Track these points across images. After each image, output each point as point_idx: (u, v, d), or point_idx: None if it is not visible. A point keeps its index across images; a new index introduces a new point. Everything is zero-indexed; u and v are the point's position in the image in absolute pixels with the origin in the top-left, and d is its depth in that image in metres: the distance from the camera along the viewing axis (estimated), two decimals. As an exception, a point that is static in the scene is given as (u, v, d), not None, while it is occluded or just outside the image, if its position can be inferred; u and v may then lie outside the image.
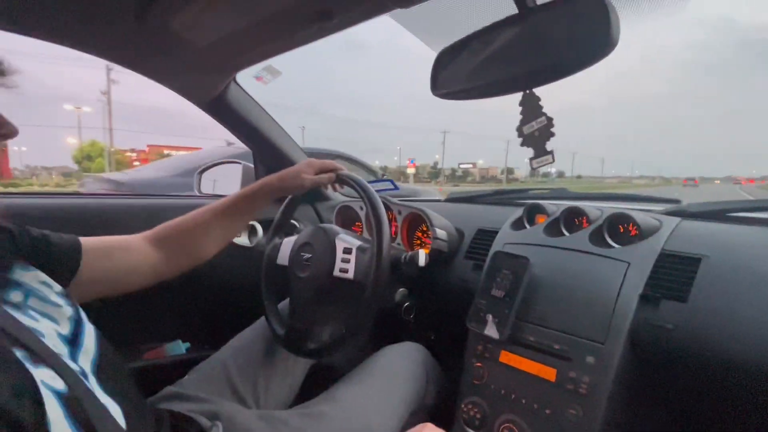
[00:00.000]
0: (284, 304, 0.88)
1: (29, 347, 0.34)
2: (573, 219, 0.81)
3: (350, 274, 0.74)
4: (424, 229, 0.99)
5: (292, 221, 0.97)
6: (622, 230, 0.74)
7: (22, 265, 0.47)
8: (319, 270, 0.77)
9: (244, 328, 0.87)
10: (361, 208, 1.11)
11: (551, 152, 0.50)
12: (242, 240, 1.07)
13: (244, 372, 0.78)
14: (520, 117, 0.50)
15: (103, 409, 0.38)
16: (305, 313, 0.78)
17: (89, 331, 0.47)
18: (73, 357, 0.41)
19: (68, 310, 0.46)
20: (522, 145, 0.51)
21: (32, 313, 0.41)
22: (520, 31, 0.51)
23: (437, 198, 1.31)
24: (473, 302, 0.74)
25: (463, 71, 0.59)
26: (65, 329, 0.44)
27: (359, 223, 1.15)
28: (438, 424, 0.50)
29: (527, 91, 0.50)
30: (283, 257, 0.87)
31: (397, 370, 0.79)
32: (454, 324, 0.80)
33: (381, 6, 0.55)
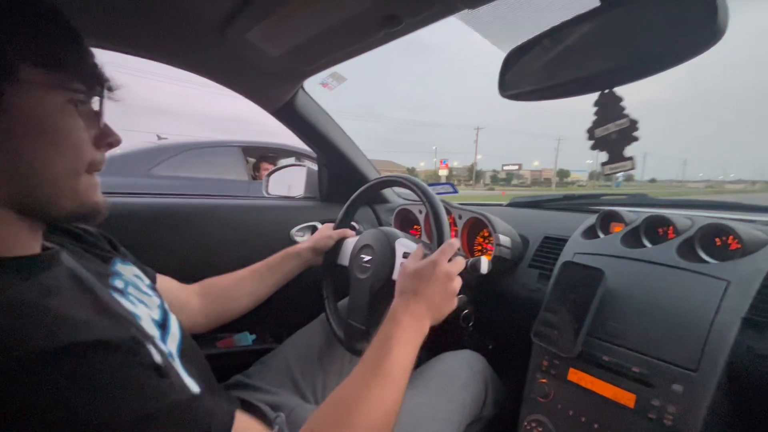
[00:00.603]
0: (344, 303, 0.90)
1: (136, 326, 0.39)
2: (656, 229, 0.73)
3: None
4: (486, 234, 0.95)
5: (352, 222, 0.99)
6: (719, 243, 0.65)
7: (121, 260, 0.54)
8: (378, 273, 0.78)
9: (306, 323, 0.90)
10: (420, 212, 1.10)
11: (631, 158, 0.45)
12: (304, 239, 1.12)
13: (305, 367, 0.81)
14: (593, 118, 0.46)
15: (188, 388, 0.42)
16: (363, 315, 0.79)
17: (174, 319, 0.53)
18: (163, 339, 0.46)
19: (157, 300, 0.52)
20: (593, 148, 0.47)
21: (132, 298, 0.47)
22: (602, 25, 0.47)
23: (499, 203, 1.26)
24: (539, 314, 0.70)
25: (533, 71, 0.56)
26: (156, 315, 0.49)
27: (417, 227, 1.14)
28: None
29: (605, 91, 0.46)
30: (344, 257, 0.89)
31: (455, 377, 0.77)
32: (515, 335, 0.77)
33: (448, 8, 0.54)
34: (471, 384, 0.76)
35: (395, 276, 0.76)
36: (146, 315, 0.46)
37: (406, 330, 0.55)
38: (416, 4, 0.54)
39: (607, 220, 0.81)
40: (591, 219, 0.84)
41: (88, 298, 0.38)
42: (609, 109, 0.46)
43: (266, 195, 1.32)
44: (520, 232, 0.91)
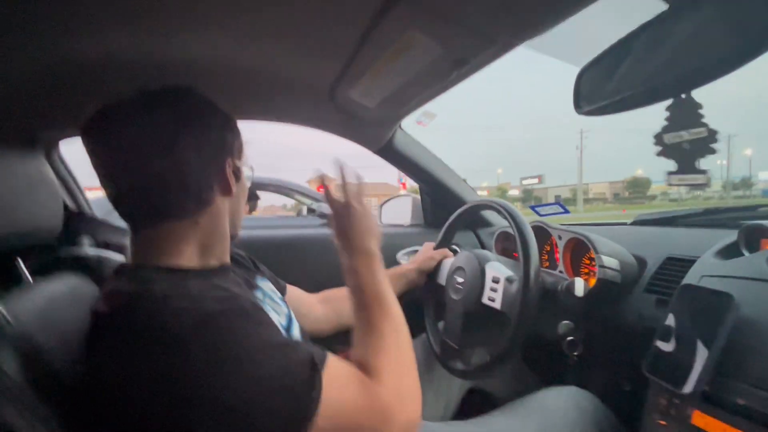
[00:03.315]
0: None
1: None
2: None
3: (497, 304, 0.75)
4: (592, 256, 0.88)
5: (454, 246, 1.04)
6: None
7: (261, 277, 0.72)
8: (469, 295, 0.81)
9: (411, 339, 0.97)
10: None
11: (705, 172, 0.40)
12: (407, 261, 1.21)
13: None
14: (664, 123, 0.43)
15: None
16: (456, 334, 0.82)
17: (296, 326, 0.67)
18: None
19: (285, 309, 0.67)
20: (659, 155, 0.43)
21: (267, 307, 0.62)
22: (672, 28, 0.45)
23: (622, 222, 1.13)
24: (652, 345, 0.62)
25: (608, 83, 0.54)
26: (283, 321, 0.64)
27: (521, 250, 1.11)
28: None
29: (681, 96, 0.43)
30: (442, 277, 0.94)
31: (558, 413, 0.72)
32: (628, 369, 0.68)
33: (506, 46, 0.58)
34: (577, 424, 0.70)
35: (485, 299, 0.78)
36: (276, 319, 0.61)
37: (362, 263, 0.60)
38: (478, 46, 0.60)
39: (755, 236, 0.67)
40: (732, 235, 0.70)
41: (242, 292, 0.54)
42: (684, 116, 0.42)
43: (380, 224, 1.48)
44: (638, 252, 0.81)
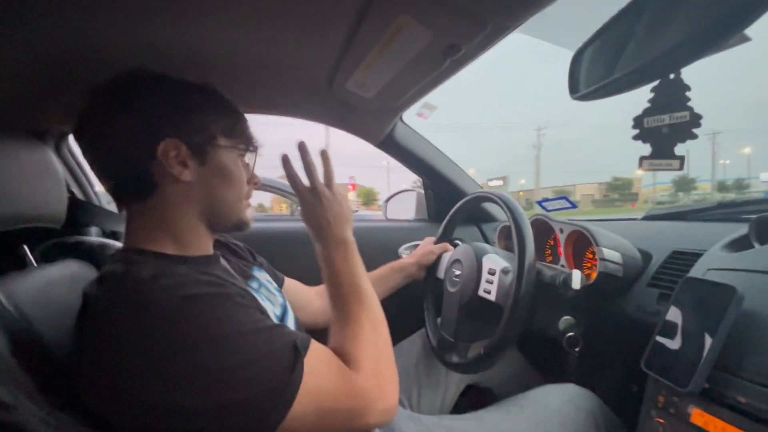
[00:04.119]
0: None
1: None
2: None
3: (492, 296, 0.73)
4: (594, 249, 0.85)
5: (457, 241, 1.03)
6: None
7: (258, 267, 0.72)
8: (465, 288, 0.80)
9: (411, 334, 0.97)
10: None
11: (680, 158, 0.38)
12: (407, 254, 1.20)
13: (403, 375, 0.87)
14: (646, 105, 0.41)
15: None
16: (452, 327, 0.81)
17: (291, 316, 0.67)
18: None
19: (280, 299, 0.68)
20: (635, 138, 0.41)
21: (262, 297, 0.63)
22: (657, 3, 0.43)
23: (632, 217, 1.09)
24: (651, 339, 0.59)
25: (602, 65, 0.52)
26: (278, 311, 0.64)
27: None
28: None
29: (669, 77, 0.41)
30: (441, 271, 0.93)
31: (554, 412, 0.71)
32: (629, 365, 0.66)
33: (499, 29, 0.56)
34: (572, 423, 0.68)
35: (480, 292, 0.76)
36: (270, 309, 0.61)
37: (337, 252, 0.59)
38: (469, 30, 0.59)
39: (765, 228, 0.63)
40: (743, 228, 0.67)
41: (232, 280, 0.54)
42: (669, 98, 0.40)
43: (385, 219, 1.47)
44: (643, 246, 0.78)
